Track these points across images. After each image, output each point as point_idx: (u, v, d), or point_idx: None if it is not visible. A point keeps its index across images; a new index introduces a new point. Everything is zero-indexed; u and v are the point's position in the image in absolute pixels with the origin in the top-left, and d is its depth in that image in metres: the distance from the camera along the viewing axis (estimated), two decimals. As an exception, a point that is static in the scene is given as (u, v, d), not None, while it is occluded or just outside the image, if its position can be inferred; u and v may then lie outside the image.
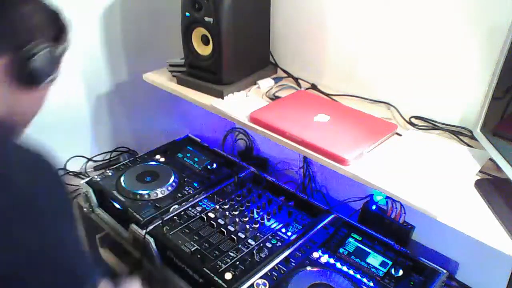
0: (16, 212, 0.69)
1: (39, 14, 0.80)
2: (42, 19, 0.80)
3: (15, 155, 0.74)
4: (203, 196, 1.43)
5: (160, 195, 1.42)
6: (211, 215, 1.34)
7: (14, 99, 0.80)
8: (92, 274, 0.82)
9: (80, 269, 0.79)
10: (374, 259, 1.19)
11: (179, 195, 1.43)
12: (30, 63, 0.77)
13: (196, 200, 1.41)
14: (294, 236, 1.26)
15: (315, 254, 1.21)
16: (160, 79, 1.50)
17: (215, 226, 1.29)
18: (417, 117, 1.24)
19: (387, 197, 1.32)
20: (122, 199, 1.39)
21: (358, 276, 1.14)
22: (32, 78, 0.79)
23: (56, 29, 0.83)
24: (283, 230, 1.29)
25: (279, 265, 1.16)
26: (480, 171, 1.02)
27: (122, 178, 1.47)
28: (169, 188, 1.45)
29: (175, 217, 1.32)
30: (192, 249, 1.20)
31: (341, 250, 1.23)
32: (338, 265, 1.17)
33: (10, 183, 0.69)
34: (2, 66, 0.76)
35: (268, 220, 1.33)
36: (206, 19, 1.26)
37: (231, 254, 1.19)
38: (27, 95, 0.82)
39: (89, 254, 0.85)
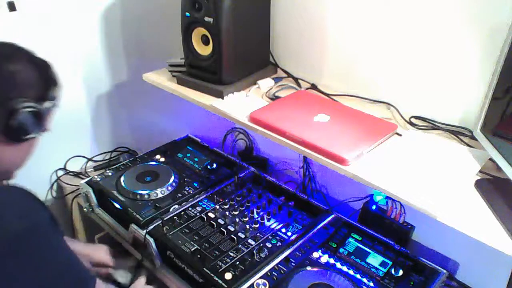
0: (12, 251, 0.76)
1: (27, 72, 0.85)
2: (29, 76, 0.85)
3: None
4: (203, 196, 1.43)
5: (160, 195, 1.42)
6: (211, 215, 1.34)
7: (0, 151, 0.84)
8: (89, 277, 0.88)
9: (81, 277, 0.87)
10: (374, 259, 1.19)
11: (179, 195, 1.43)
12: (13, 119, 0.81)
13: (196, 200, 1.41)
14: (294, 236, 1.26)
15: (315, 254, 1.21)
16: (160, 79, 1.50)
17: (215, 226, 1.29)
18: (417, 117, 1.24)
19: (387, 197, 1.32)
20: (122, 199, 1.39)
21: (358, 276, 1.14)
22: (15, 133, 0.83)
23: (42, 87, 0.88)
24: (283, 230, 1.29)
25: (279, 265, 1.16)
26: (480, 171, 1.02)
27: (122, 178, 1.47)
28: (169, 188, 1.45)
29: (175, 217, 1.32)
30: (192, 249, 1.20)
31: (341, 250, 1.23)
32: (338, 265, 1.17)
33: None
34: None
35: (268, 220, 1.33)
36: (206, 19, 1.26)
37: (231, 254, 1.19)
38: (10, 148, 0.85)
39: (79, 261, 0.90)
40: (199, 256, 1.18)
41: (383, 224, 1.32)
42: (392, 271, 1.15)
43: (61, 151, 1.72)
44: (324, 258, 1.19)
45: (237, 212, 1.36)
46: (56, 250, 0.85)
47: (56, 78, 0.92)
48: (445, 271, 1.15)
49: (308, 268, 1.16)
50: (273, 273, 1.14)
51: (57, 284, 0.83)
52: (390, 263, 1.18)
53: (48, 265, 0.82)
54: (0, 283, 0.74)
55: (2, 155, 0.86)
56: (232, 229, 1.29)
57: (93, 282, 0.91)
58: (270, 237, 1.26)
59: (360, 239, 1.26)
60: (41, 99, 0.87)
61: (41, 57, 0.91)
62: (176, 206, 1.38)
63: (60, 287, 0.84)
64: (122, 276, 1.29)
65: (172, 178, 1.48)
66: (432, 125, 1.20)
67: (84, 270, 0.91)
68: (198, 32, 1.33)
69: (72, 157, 1.76)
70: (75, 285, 0.87)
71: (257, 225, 1.30)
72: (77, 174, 1.76)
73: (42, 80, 0.88)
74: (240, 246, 1.22)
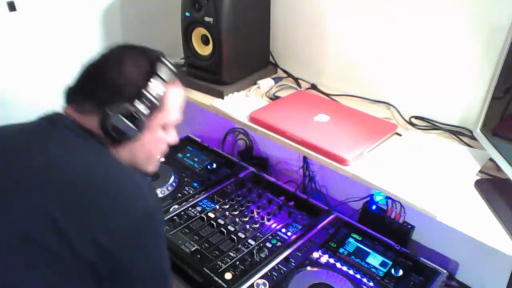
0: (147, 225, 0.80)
1: (130, 72, 0.86)
2: (131, 76, 0.86)
3: (135, 176, 0.85)
4: (203, 196, 1.43)
5: (160, 195, 1.42)
6: (211, 215, 1.34)
7: (115, 151, 0.88)
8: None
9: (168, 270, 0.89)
10: (374, 259, 1.19)
11: (179, 195, 1.43)
12: (109, 122, 0.83)
13: (196, 200, 1.41)
14: (294, 236, 1.26)
15: (315, 254, 1.21)
16: (160, 79, 1.50)
17: (215, 226, 1.29)
18: (417, 117, 1.24)
19: (387, 197, 1.32)
20: (122, 199, 1.39)
21: (358, 276, 1.14)
22: (115, 134, 0.85)
23: (139, 85, 0.86)
24: (283, 230, 1.29)
25: (279, 265, 1.16)
26: (480, 171, 1.02)
27: (122, 178, 1.47)
28: (169, 188, 1.45)
29: (175, 217, 1.32)
30: (192, 249, 1.20)
31: (341, 250, 1.23)
32: (338, 265, 1.17)
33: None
34: (95, 123, 0.84)
35: (268, 220, 1.33)
36: (206, 19, 1.26)
37: (231, 254, 1.19)
38: (123, 147, 0.88)
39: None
40: (199, 256, 1.18)
41: (383, 224, 1.32)
42: (392, 271, 1.15)
43: (61, 151, 1.72)
44: (324, 258, 1.19)
45: (237, 212, 1.35)
46: (165, 244, 0.88)
47: (161, 67, 0.89)
48: (445, 271, 1.15)
49: (308, 268, 1.16)
50: (273, 273, 1.14)
51: (162, 268, 0.85)
52: (390, 263, 1.18)
53: (159, 258, 0.85)
54: (137, 252, 0.79)
55: (119, 152, 0.88)
56: (232, 229, 1.29)
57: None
58: (270, 237, 1.26)
59: (360, 239, 1.26)
60: (134, 98, 0.86)
61: (152, 50, 0.92)
62: (176, 206, 1.38)
63: (162, 271, 0.86)
64: None
65: (172, 178, 1.48)
66: (432, 125, 1.20)
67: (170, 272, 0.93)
68: (198, 32, 1.33)
69: (72, 157, 1.76)
70: (167, 273, 0.88)
71: (257, 225, 1.30)
72: (77, 174, 1.75)
73: (143, 77, 0.87)
74: (240, 246, 1.22)
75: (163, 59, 0.89)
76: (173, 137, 0.97)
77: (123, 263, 0.77)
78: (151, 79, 0.86)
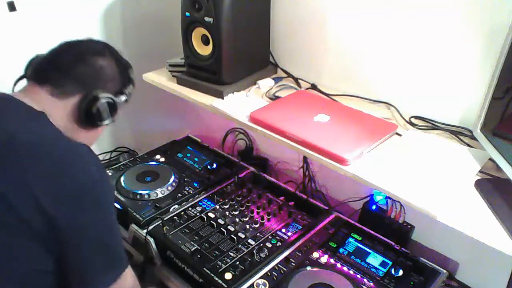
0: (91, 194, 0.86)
1: (112, 67, 0.98)
2: (113, 72, 0.98)
3: (82, 149, 0.91)
4: (203, 196, 1.43)
5: (160, 195, 1.42)
6: (211, 215, 1.34)
7: (75, 133, 0.95)
8: (125, 258, 0.95)
9: (120, 253, 0.94)
10: (374, 259, 1.19)
11: (179, 195, 1.43)
12: (93, 106, 0.93)
13: (196, 200, 1.41)
14: (294, 236, 1.26)
15: (315, 254, 1.21)
16: (160, 79, 1.51)
17: (215, 226, 1.29)
18: (417, 117, 1.24)
19: (387, 197, 1.32)
20: (122, 199, 1.39)
21: (358, 276, 1.14)
22: (92, 118, 0.95)
23: (121, 83, 1.01)
24: (283, 230, 1.29)
25: (279, 265, 1.16)
26: (480, 171, 1.02)
27: (122, 178, 1.47)
28: (169, 188, 1.45)
29: (175, 217, 1.32)
30: (192, 249, 1.20)
31: (341, 250, 1.23)
32: (338, 265, 1.17)
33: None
34: (73, 105, 0.93)
35: (268, 220, 1.33)
36: (206, 19, 1.26)
37: (231, 254, 1.19)
38: (84, 132, 0.98)
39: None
40: (199, 256, 1.18)
41: (383, 224, 1.32)
42: (392, 271, 1.15)
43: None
44: (324, 258, 1.19)
45: (237, 212, 1.36)
46: (114, 214, 0.92)
47: (133, 78, 1.06)
48: (445, 271, 1.15)
49: (308, 268, 1.16)
50: (273, 273, 1.14)
51: (103, 243, 0.89)
52: (390, 263, 1.18)
53: (106, 220, 0.90)
54: (73, 221, 0.83)
55: (77, 137, 0.95)
56: (232, 229, 1.29)
57: (126, 264, 0.95)
58: (270, 237, 1.26)
59: (360, 239, 1.26)
60: (118, 93, 1.00)
61: (125, 59, 1.05)
62: (176, 206, 1.38)
63: (102, 247, 0.89)
64: None
65: (172, 178, 1.48)
66: (432, 125, 1.20)
67: (123, 250, 0.96)
68: (198, 32, 1.33)
69: (72, 157, 1.76)
70: (113, 254, 0.92)
71: (257, 225, 1.30)
72: (77, 174, 1.75)
73: (122, 77, 1.01)
74: (240, 246, 1.22)
75: (130, 64, 1.07)
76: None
77: (62, 228, 0.82)
78: (129, 79, 1.04)
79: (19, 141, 0.83)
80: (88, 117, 0.94)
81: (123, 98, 1.01)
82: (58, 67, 0.94)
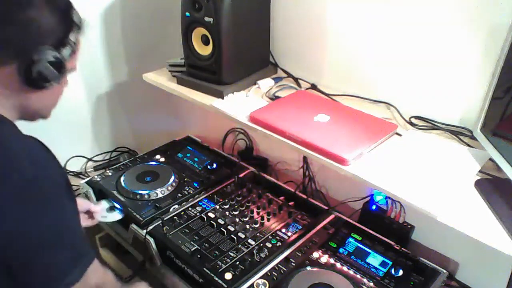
0: (25, 197, 0.77)
1: (45, 17, 0.81)
2: (47, 22, 0.81)
3: (16, 145, 0.81)
4: (203, 196, 1.43)
5: (160, 195, 1.42)
6: (211, 215, 1.34)
7: (25, 99, 0.86)
8: (87, 253, 0.87)
9: (79, 248, 0.86)
10: (374, 259, 1.19)
11: (179, 195, 1.43)
12: (35, 69, 0.81)
13: (196, 200, 1.41)
14: (294, 236, 1.26)
15: (315, 254, 1.21)
16: (160, 79, 1.50)
17: (215, 226, 1.29)
18: (417, 117, 1.24)
19: (387, 197, 1.32)
20: (122, 199, 1.39)
21: (358, 276, 1.14)
22: (38, 81, 0.83)
23: (62, 32, 0.84)
24: (283, 230, 1.29)
25: (279, 265, 1.16)
26: (480, 171, 1.02)
27: (122, 178, 1.47)
28: (169, 188, 1.45)
29: (175, 217, 1.32)
30: (192, 249, 1.20)
31: (341, 250, 1.23)
32: (338, 265, 1.17)
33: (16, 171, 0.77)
34: (9, 74, 0.80)
35: (268, 220, 1.33)
36: (206, 19, 1.26)
37: (231, 254, 1.19)
38: (37, 94, 0.86)
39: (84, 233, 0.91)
40: (199, 256, 1.18)
41: (383, 224, 1.32)
42: (392, 271, 1.15)
43: (61, 151, 1.70)
44: (324, 258, 1.19)
45: (237, 212, 1.36)
46: (62, 209, 0.84)
47: (77, 20, 0.88)
48: (445, 271, 1.15)
49: (308, 268, 1.16)
50: (273, 273, 1.14)
51: (52, 244, 0.81)
52: (390, 263, 1.18)
53: (49, 220, 0.81)
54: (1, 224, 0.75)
55: (29, 100, 0.87)
56: (232, 229, 1.29)
57: (90, 259, 0.87)
58: (270, 237, 1.26)
59: (360, 239, 1.26)
60: (60, 45, 0.84)
61: None
62: (176, 206, 1.38)
63: (54, 249, 0.82)
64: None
65: (172, 178, 1.48)
66: (432, 125, 1.20)
67: (85, 244, 0.88)
68: (198, 32, 1.33)
69: (72, 157, 1.76)
70: (71, 253, 0.84)
71: (257, 225, 1.30)
72: (77, 174, 1.76)
73: (62, 24, 0.84)
74: (240, 246, 1.22)
75: (72, 3, 0.87)
76: (67, 83, 0.95)
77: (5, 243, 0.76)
78: (72, 25, 0.85)
79: None
80: (32, 83, 0.82)
81: (67, 49, 0.85)
82: None
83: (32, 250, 0.79)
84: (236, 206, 1.38)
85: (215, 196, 1.43)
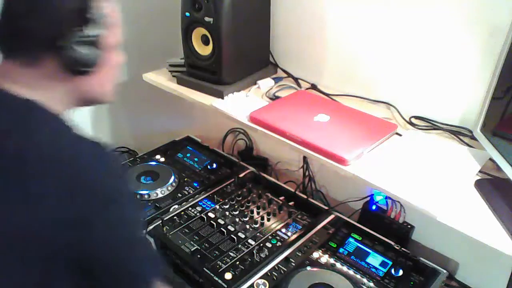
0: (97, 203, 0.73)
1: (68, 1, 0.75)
2: (72, 4, 0.75)
3: (88, 149, 0.78)
4: (203, 196, 1.43)
5: (160, 195, 1.42)
6: (211, 215, 1.34)
7: (77, 86, 0.81)
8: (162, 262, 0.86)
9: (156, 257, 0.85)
10: (374, 259, 1.19)
11: (179, 195, 1.43)
12: (72, 55, 0.75)
13: (196, 200, 1.41)
14: (294, 236, 1.26)
15: (315, 254, 1.21)
16: (160, 79, 1.50)
17: (215, 226, 1.29)
18: (417, 117, 1.24)
19: (387, 197, 1.32)
20: (122, 199, 1.39)
21: (358, 276, 1.14)
22: (80, 66, 0.78)
23: (87, 5, 0.77)
24: (283, 230, 1.29)
25: (279, 265, 1.16)
26: (480, 171, 1.02)
27: (122, 178, 1.47)
28: (169, 188, 1.45)
29: (175, 217, 1.32)
30: (192, 249, 1.20)
31: (341, 250, 1.23)
32: (338, 265, 1.17)
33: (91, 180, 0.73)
34: (51, 67, 0.76)
35: (268, 220, 1.33)
36: (206, 19, 1.26)
37: (231, 254, 1.19)
38: (87, 79, 0.81)
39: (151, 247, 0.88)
40: (199, 256, 1.18)
41: (383, 224, 1.32)
42: (392, 271, 1.15)
43: (61, 151, 1.72)
44: (324, 258, 1.19)
45: (237, 212, 1.36)
46: (136, 223, 0.84)
47: None
48: (445, 271, 1.15)
49: (308, 268, 1.16)
50: (273, 273, 1.14)
51: (130, 256, 0.79)
52: (390, 263, 1.18)
53: (124, 231, 0.79)
54: (80, 232, 0.72)
55: (82, 87, 0.83)
56: (232, 229, 1.29)
57: (162, 270, 0.86)
58: (270, 237, 1.26)
59: (360, 239, 1.26)
60: (90, 22, 0.77)
61: None
62: (176, 206, 1.38)
63: (133, 259, 0.80)
64: None
65: (172, 178, 1.48)
66: (432, 125, 1.20)
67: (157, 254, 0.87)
68: (198, 32, 1.33)
69: (72, 157, 1.75)
70: (150, 262, 0.83)
71: (257, 225, 1.30)
72: (77, 174, 1.75)
73: (83, 2, 0.77)
74: (240, 246, 1.22)
75: None
76: (122, 57, 0.89)
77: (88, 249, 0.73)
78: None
79: (26, 157, 0.70)
80: (76, 70, 0.78)
81: (100, 24, 0.79)
82: (11, 30, 0.75)
83: (119, 258, 0.77)
84: (236, 206, 1.38)
85: (215, 196, 1.43)
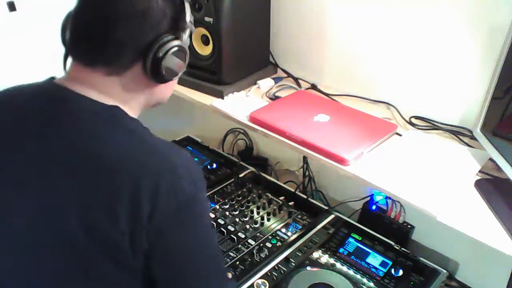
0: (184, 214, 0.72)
1: (157, 1, 0.72)
2: (162, 4, 0.73)
3: (172, 152, 0.77)
4: (203, 196, 1.43)
5: (160, 195, 1.41)
6: (211, 215, 1.34)
7: (151, 93, 0.81)
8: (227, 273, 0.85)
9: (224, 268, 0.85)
10: (374, 259, 1.19)
11: (179, 195, 1.43)
12: (163, 64, 0.74)
13: (196, 200, 1.41)
14: (294, 236, 1.26)
15: (315, 254, 1.21)
16: (160, 79, 1.50)
17: (215, 226, 1.29)
18: (417, 117, 1.24)
19: (387, 197, 1.32)
20: (122, 199, 1.39)
21: (358, 276, 1.14)
22: (167, 74, 0.77)
23: (176, 13, 0.76)
24: (283, 230, 1.29)
25: (279, 265, 1.16)
26: (480, 171, 1.02)
27: (122, 178, 1.47)
28: (169, 188, 1.45)
29: (175, 217, 1.32)
30: (192, 249, 1.19)
31: (341, 250, 1.23)
32: (338, 265, 1.17)
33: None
34: (137, 73, 0.75)
35: (268, 220, 1.33)
36: (206, 19, 1.26)
37: (231, 254, 1.19)
38: (162, 86, 0.81)
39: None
40: (199, 256, 1.18)
41: (383, 224, 1.32)
42: (392, 271, 1.15)
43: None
44: (324, 258, 1.19)
45: (237, 212, 1.35)
46: (210, 230, 0.82)
47: (185, 4, 0.78)
48: (445, 271, 1.15)
49: (308, 268, 1.16)
50: (273, 273, 1.14)
51: (205, 262, 0.78)
52: (390, 263, 1.18)
53: (200, 239, 0.77)
54: (157, 239, 0.70)
55: (154, 94, 0.83)
56: (232, 229, 1.29)
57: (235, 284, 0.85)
58: (270, 237, 1.26)
59: (360, 239, 1.26)
60: (180, 30, 0.77)
61: None
62: (176, 206, 1.38)
63: (210, 265, 0.78)
64: None
65: (172, 178, 1.48)
66: (432, 125, 1.20)
67: (226, 273, 0.85)
68: (198, 32, 1.33)
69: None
70: (221, 272, 0.82)
71: (257, 225, 1.30)
72: (77, 174, 1.75)
73: (173, 6, 0.75)
74: (240, 246, 1.22)
75: None
76: None
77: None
78: (183, 2, 0.77)
79: (107, 159, 0.69)
80: (161, 78, 0.76)
81: (186, 33, 0.77)
82: (97, 39, 0.71)
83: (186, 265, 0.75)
84: (236, 206, 1.38)
85: (215, 196, 1.43)
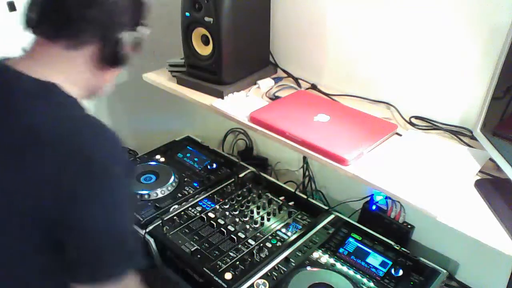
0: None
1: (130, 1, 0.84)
2: (125, 3, 0.83)
3: (91, 127, 0.80)
4: (203, 196, 1.43)
5: (160, 195, 1.42)
6: (211, 215, 1.34)
7: (98, 76, 0.87)
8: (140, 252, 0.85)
9: (136, 246, 0.84)
10: (374, 259, 1.19)
11: (179, 195, 1.43)
12: (119, 49, 0.83)
13: (196, 200, 1.41)
14: (294, 236, 1.26)
15: (315, 254, 1.21)
16: (160, 79, 1.50)
17: (215, 226, 1.29)
18: (417, 117, 1.24)
19: (387, 197, 1.32)
20: (122, 199, 1.39)
21: (358, 276, 1.14)
22: (120, 60, 0.86)
23: (137, 11, 0.87)
24: (283, 230, 1.29)
25: (279, 265, 1.16)
26: (480, 171, 1.02)
27: (122, 178, 1.47)
28: (169, 188, 1.45)
29: (175, 217, 1.32)
30: (192, 249, 1.20)
31: (341, 250, 1.23)
32: (338, 265, 1.17)
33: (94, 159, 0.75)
34: (92, 52, 0.82)
35: (268, 220, 1.33)
36: (206, 19, 1.26)
37: (231, 254, 1.19)
38: (109, 72, 0.89)
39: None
40: (199, 256, 1.18)
41: (383, 224, 1.32)
42: (392, 271, 1.15)
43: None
44: (324, 258, 1.19)
45: (237, 212, 1.36)
46: (125, 207, 0.82)
47: (146, 3, 0.90)
48: (445, 271, 1.15)
49: (308, 268, 1.16)
50: (273, 273, 1.14)
51: (113, 234, 0.79)
52: (390, 263, 1.18)
53: (109, 211, 0.78)
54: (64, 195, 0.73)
55: (100, 78, 0.88)
56: (232, 229, 1.29)
57: (140, 262, 0.84)
58: (270, 237, 1.26)
59: (360, 239, 1.26)
60: (137, 25, 0.88)
61: None
62: (176, 206, 1.38)
63: (111, 244, 0.79)
64: None
65: (172, 178, 1.48)
66: (432, 125, 1.20)
67: (138, 248, 0.85)
68: (198, 32, 1.33)
69: (72, 157, 1.75)
70: (125, 250, 0.81)
71: (257, 225, 1.30)
72: (77, 174, 1.75)
73: (135, 4, 0.87)
74: (240, 246, 1.22)
75: None
76: None
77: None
78: (142, 3, 0.88)
79: (41, 133, 0.74)
80: (114, 62, 0.86)
81: (143, 29, 0.89)
82: (69, 14, 0.78)
83: (95, 237, 0.77)
84: (236, 206, 1.38)
85: (215, 196, 1.43)
